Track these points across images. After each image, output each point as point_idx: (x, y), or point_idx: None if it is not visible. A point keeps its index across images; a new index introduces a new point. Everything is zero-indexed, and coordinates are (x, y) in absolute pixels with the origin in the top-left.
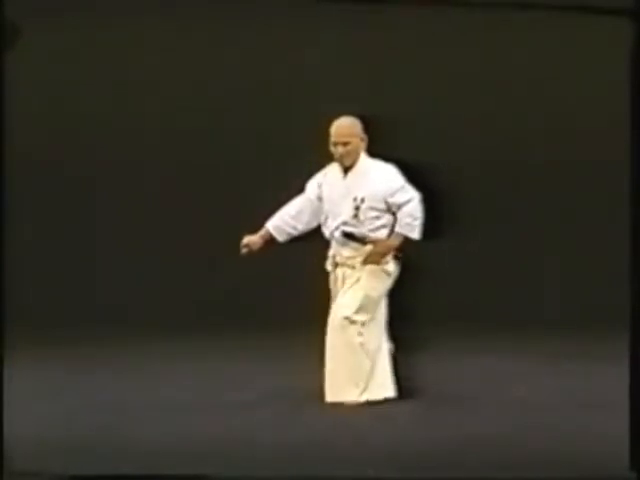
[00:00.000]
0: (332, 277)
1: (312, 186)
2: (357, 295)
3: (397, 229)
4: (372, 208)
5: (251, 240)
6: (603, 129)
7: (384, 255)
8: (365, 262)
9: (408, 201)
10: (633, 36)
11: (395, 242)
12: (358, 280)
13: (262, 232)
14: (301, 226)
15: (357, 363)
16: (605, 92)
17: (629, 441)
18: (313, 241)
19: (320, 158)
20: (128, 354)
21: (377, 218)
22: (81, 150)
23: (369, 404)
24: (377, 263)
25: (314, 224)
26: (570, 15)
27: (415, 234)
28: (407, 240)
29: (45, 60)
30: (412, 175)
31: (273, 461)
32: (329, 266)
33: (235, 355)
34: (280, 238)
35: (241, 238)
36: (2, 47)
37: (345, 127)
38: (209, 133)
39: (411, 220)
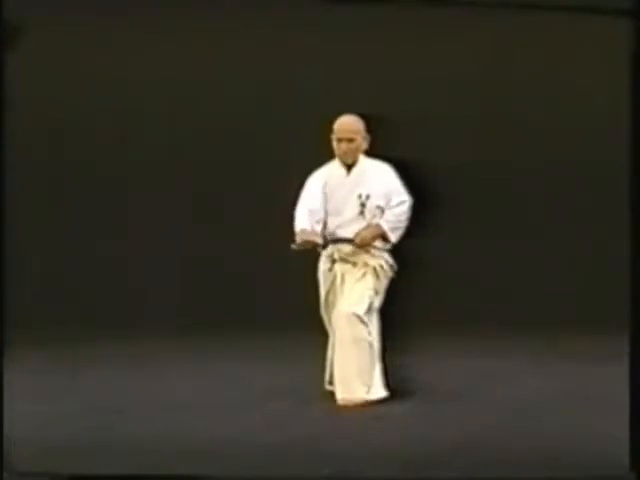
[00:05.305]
0: (326, 275)
1: (318, 183)
2: (365, 293)
3: (381, 222)
4: (376, 206)
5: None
6: (603, 129)
7: (372, 239)
8: (355, 244)
9: (400, 203)
10: (633, 36)
11: (378, 230)
12: (364, 276)
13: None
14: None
15: (365, 361)
16: (605, 92)
17: (629, 441)
18: None
19: (320, 158)
20: (128, 354)
21: (375, 217)
22: (81, 149)
23: (369, 404)
24: (364, 245)
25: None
26: (570, 15)
27: (394, 237)
28: (406, 239)
29: (45, 60)
30: (411, 175)
31: (273, 461)
32: (327, 264)
33: (235, 355)
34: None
35: (241, 238)
36: (2, 46)
37: (350, 124)
38: (209, 133)
39: (396, 221)
